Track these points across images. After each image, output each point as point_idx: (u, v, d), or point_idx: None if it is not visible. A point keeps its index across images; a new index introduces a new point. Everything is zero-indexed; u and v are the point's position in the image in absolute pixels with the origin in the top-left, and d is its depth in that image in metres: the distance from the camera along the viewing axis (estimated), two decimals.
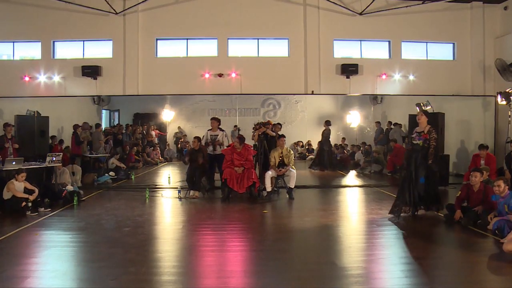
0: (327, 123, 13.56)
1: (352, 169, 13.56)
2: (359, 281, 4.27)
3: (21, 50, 12.16)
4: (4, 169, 8.11)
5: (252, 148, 9.40)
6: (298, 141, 16.19)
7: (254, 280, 4.32)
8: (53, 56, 11.90)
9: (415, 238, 6.02)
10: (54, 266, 4.67)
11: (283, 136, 9.36)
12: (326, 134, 13.50)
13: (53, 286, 4.08)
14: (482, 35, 12.10)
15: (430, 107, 10.79)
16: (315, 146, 15.62)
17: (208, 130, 9.85)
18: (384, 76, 11.90)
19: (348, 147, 15.25)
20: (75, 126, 11.53)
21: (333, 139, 15.82)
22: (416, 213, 7.04)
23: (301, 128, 15.17)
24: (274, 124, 10.24)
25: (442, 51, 12.52)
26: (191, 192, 8.96)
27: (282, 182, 9.12)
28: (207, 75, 11.71)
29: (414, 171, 6.90)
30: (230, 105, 14.56)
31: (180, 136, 16.31)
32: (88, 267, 4.69)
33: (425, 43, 12.39)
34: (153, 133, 16.08)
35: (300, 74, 11.91)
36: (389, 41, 12.21)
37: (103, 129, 13.24)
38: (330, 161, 13.51)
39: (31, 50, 12.11)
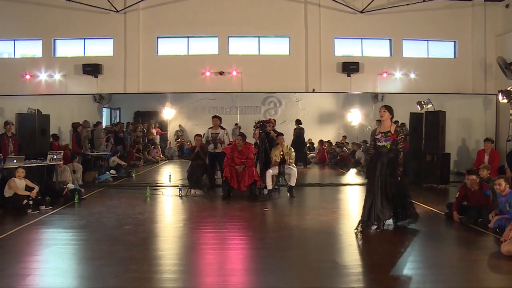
0: (297, 122, 13.62)
1: (352, 167, 13.55)
2: (359, 279, 4.28)
3: (22, 48, 12.13)
4: (5, 167, 8.13)
5: (253, 146, 9.41)
6: None
7: (254, 278, 4.33)
8: (54, 54, 11.87)
9: (415, 236, 6.01)
10: (55, 264, 4.69)
11: (281, 134, 9.36)
12: (295, 133, 13.56)
13: (54, 284, 4.09)
14: (483, 33, 12.03)
15: (431, 105, 10.78)
16: (316, 144, 15.63)
17: (209, 128, 9.87)
18: (385, 74, 11.86)
19: (349, 145, 15.23)
20: (76, 124, 11.51)
21: (334, 137, 15.87)
22: (382, 227, 6.05)
23: (302, 126, 15.11)
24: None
25: (443, 49, 12.46)
26: (192, 191, 8.97)
27: (283, 180, 9.12)
28: (208, 73, 11.69)
29: (381, 180, 5.88)
30: (230, 103, 14.55)
31: (179, 134, 16.33)
32: (89, 265, 4.70)
33: (426, 41, 12.33)
34: (154, 131, 16.10)
35: (301, 72, 11.87)
36: (390, 39, 12.16)
37: (104, 127, 13.24)
38: (302, 157, 13.54)
39: (32, 48, 12.07)
